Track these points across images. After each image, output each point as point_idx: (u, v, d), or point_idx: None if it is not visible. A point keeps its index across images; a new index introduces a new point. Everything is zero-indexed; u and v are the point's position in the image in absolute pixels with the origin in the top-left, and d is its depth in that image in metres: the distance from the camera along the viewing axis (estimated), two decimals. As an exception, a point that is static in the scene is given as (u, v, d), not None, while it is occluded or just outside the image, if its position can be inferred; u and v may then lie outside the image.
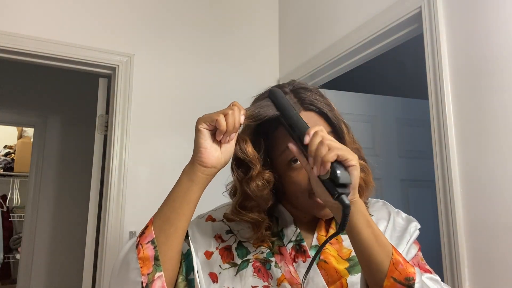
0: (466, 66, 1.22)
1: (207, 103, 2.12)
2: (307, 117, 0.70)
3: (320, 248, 0.63)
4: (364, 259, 0.61)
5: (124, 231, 1.85)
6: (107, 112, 2.08)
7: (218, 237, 0.76)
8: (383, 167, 2.10)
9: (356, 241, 0.61)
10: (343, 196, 0.57)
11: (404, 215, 0.80)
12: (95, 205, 2.00)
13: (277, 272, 0.69)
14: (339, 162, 0.58)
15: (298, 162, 0.69)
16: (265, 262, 0.71)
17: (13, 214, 4.87)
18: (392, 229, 0.76)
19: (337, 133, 0.72)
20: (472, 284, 1.14)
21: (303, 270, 0.68)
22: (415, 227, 0.77)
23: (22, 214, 4.17)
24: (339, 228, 0.58)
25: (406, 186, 2.16)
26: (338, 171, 0.57)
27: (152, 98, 2.03)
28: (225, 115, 0.62)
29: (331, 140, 0.58)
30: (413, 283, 0.58)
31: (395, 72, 2.88)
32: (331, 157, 0.57)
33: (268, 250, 0.72)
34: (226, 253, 0.73)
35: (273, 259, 0.71)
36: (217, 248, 0.74)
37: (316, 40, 2.02)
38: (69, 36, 1.90)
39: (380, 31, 1.58)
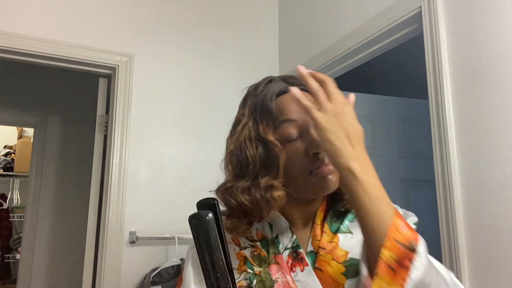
0: (466, 66, 1.22)
1: (207, 103, 2.12)
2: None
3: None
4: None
5: (124, 231, 1.85)
6: (107, 112, 2.08)
7: None
8: (383, 167, 2.09)
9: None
10: None
11: (401, 210, 0.76)
12: (95, 205, 2.00)
13: None
14: None
15: (294, 138, 0.68)
16: None
17: (13, 214, 4.87)
18: None
19: None
20: (472, 284, 1.14)
21: (302, 279, 0.67)
22: (411, 221, 0.72)
23: (22, 214, 4.17)
24: None
25: (406, 186, 2.16)
26: None
27: (152, 98, 2.03)
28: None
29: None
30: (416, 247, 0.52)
31: (395, 72, 2.88)
32: None
33: (252, 272, 0.69)
34: None
35: (255, 281, 0.68)
36: None
37: (316, 40, 2.02)
38: (69, 36, 1.90)
39: (380, 31, 1.58)
